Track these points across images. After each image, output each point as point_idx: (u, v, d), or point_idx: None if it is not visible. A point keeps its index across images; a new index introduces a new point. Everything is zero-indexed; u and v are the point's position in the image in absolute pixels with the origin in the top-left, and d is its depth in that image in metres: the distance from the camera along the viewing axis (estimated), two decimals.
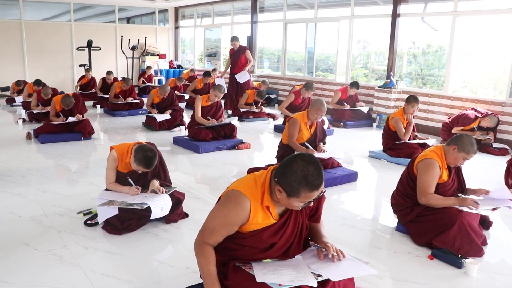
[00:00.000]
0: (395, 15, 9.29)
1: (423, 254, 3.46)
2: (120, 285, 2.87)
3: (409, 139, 6.31)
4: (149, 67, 14.08)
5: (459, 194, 3.83)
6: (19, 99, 10.48)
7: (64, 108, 7.24)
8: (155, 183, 3.80)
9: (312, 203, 2.20)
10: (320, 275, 2.21)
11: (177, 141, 7.11)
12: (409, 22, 9.46)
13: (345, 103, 9.33)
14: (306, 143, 5.34)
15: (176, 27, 17.04)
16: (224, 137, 6.98)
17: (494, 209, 3.63)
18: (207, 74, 11.31)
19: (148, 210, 3.53)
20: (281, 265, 2.31)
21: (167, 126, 8.23)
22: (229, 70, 10.51)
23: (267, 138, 8.12)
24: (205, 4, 15.14)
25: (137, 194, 3.74)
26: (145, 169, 3.66)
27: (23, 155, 6.22)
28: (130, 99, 9.95)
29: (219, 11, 15.27)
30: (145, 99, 9.99)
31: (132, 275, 3.01)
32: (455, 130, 7.52)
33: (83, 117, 7.36)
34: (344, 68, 10.87)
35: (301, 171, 2.07)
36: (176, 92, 11.14)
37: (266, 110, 10.09)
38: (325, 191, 2.17)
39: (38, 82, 9.38)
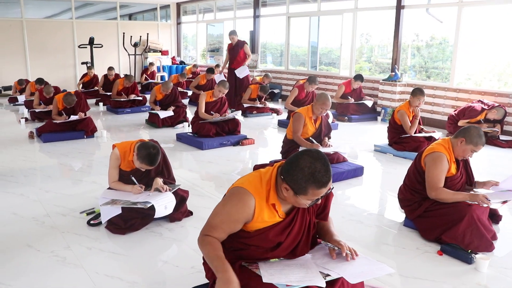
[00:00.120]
0: (399, 7, 9.18)
1: (432, 249, 3.40)
2: (124, 286, 2.82)
3: (415, 133, 6.24)
4: (151, 64, 14.02)
5: (475, 189, 3.77)
6: (21, 98, 10.44)
7: (66, 107, 7.19)
8: (159, 181, 3.74)
9: (320, 201, 2.13)
10: (328, 275, 2.14)
11: (180, 137, 7.05)
12: (413, 14, 9.34)
13: (349, 97, 9.25)
14: (311, 138, 5.28)
15: (178, 23, 16.96)
16: (228, 132, 6.92)
17: (504, 202, 3.57)
18: (210, 70, 11.23)
19: (152, 209, 3.48)
20: (288, 265, 2.24)
21: (170, 122, 8.18)
22: (227, 65, 10.38)
23: (271, 133, 8.05)
24: None
25: (141, 193, 3.69)
26: (148, 166, 3.60)
27: (25, 155, 6.18)
28: (132, 96, 9.90)
29: (221, 6, 15.18)
30: (147, 96, 9.92)
31: (136, 276, 2.96)
32: (461, 122, 7.45)
33: (85, 115, 7.31)
34: (348, 61, 10.78)
35: (308, 168, 2.00)
36: (179, 88, 11.08)
37: (270, 105, 10.02)
38: (333, 187, 2.11)
39: (40, 81, 9.34)
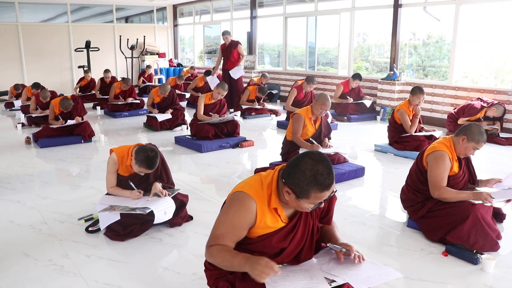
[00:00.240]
0: (396, 6, 9.13)
1: (436, 250, 3.35)
2: None
3: (415, 132, 6.20)
4: (148, 67, 13.95)
5: (477, 188, 3.73)
6: (17, 103, 10.35)
7: (63, 111, 7.12)
8: (158, 186, 3.68)
9: (323, 204, 2.07)
10: (334, 281, 2.08)
11: (179, 140, 6.99)
12: (409, 13, 9.30)
13: (348, 97, 9.20)
14: (311, 139, 5.23)
15: (175, 25, 16.90)
16: (227, 134, 6.86)
17: (508, 201, 3.53)
18: (208, 72, 11.16)
19: (151, 214, 3.42)
20: (292, 271, 2.18)
21: (168, 125, 8.11)
22: (221, 66, 10.25)
23: (270, 134, 8.00)
24: (203, 0, 15.00)
25: (139, 198, 3.63)
26: (147, 170, 3.54)
27: (22, 161, 6.10)
28: (130, 100, 9.83)
29: (218, 7, 15.13)
30: (145, 99, 9.88)
31: (136, 283, 2.90)
32: (461, 120, 7.43)
33: (82, 119, 7.24)
34: (346, 61, 10.73)
35: (310, 171, 1.94)
36: (176, 90, 11.02)
37: (269, 106, 9.96)
38: (336, 190, 2.04)
39: (36, 85, 9.27)
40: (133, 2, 15.47)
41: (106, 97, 10.65)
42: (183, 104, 10.74)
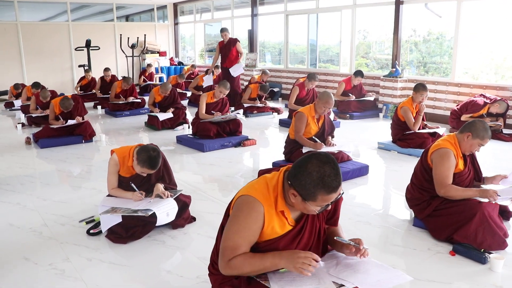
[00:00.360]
0: (398, 2, 9.06)
1: (444, 250, 3.31)
2: None
3: (419, 129, 6.13)
4: (149, 65, 13.90)
5: (482, 186, 3.67)
6: (17, 103, 10.30)
7: (63, 111, 7.06)
8: (160, 187, 3.62)
9: (330, 206, 2.01)
10: (342, 285, 2.03)
11: (181, 140, 6.93)
12: (410, 9, 9.23)
13: (350, 94, 9.14)
14: (313, 137, 5.17)
15: (176, 24, 16.84)
16: (229, 133, 6.79)
17: None
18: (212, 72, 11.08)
19: (154, 216, 3.36)
20: (299, 275, 2.12)
21: (170, 125, 8.05)
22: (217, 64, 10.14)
23: (272, 133, 7.94)
24: None
25: (141, 200, 3.57)
26: (150, 170, 3.48)
27: (22, 162, 6.04)
28: (131, 99, 9.77)
29: (218, 5, 15.06)
30: (146, 98, 9.80)
31: (138, 287, 2.84)
32: (464, 117, 7.40)
33: (83, 119, 7.18)
34: (347, 58, 10.66)
35: (317, 172, 1.88)
36: (177, 89, 10.96)
37: (270, 104, 9.90)
38: (343, 192, 1.98)
39: (36, 85, 9.20)
40: (133, 1, 15.42)
41: (106, 96, 10.60)
42: (185, 102, 10.68)
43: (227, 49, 9.70)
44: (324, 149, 5.10)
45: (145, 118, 8.73)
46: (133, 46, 14.80)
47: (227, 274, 2.08)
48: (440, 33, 9.62)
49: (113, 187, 3.71)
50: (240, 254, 2.03)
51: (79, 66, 14.02)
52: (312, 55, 11.92)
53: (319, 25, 11.63)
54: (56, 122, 7.05)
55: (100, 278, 2.94)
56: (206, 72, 10.85)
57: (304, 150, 5.11)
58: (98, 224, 3.65)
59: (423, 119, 6.26)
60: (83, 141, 7.02)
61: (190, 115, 8.79)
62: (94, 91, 11.65)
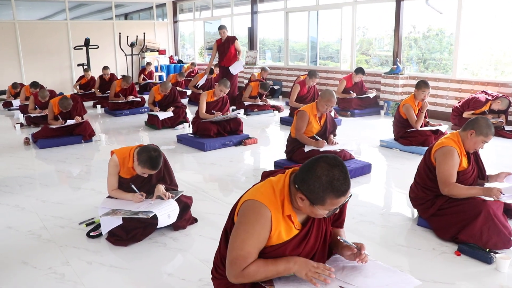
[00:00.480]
0: None
1: (449, 250, 3.26)
2: None
3: (421, 126, 6.09)
4: (149, 64, 13.83)
5: (486, 184, 3.63)
6: (16, 103, 10.20)
7: (62, 111, 6.99)
8: (161, 188, 3.57)
9: (338, 210, 1.96)
10: None
11: (181, 139, 6.87)
12: (410, 6, 9.16)
13: (351, 91, 9.08)
14: (315, 135, 5.12)
15: (175, 21, 16.76)
16: (229, 132, 6.73)
17: None
18: (210, 71, 11.01)
19: (155, 218, 3.31)
20: (306, 281, 2.06)
21: (170, 124, 7.99)
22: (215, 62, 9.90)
23: (273, 131, 7.88)
24: None
25: (142, 201, 3.52)
26: (151, 170, 3.43)
27: (20, 162, 5.97)
28: (131, 98, 9.71)
29: (218, 3, 14.99)
30: (146, 97, 9.75)
31: None
32: (466, 114, 7.36)
33: (82, 119, 7.11)
34: (348, 55, 10.60)
35: (326, 176, 1.83)
36: (177, 88, 10.90)
37: (271, 102, 9.84)
38: (351, 195, 1.93)
39: (34, 84, 9.12)
40: None
41: (106, 95, 10.54)
42: (184, 101, 10.63)
43: (225, 47, 9.48)
44: (326, 147, 5.05)
45: (145, 117, 8.67)
46: (132, 45, 14.73)
47: (238, 283, 2.03)
48: (440, 29, 9.57)
49: (113, 189, 3.66)
50: (253, 263, 1.97)
51: (78, 65, 13.94)
52: (312, 52, 11.85)
53: (320, 22, 11.56)
54: (55, 122, 6.99)
55: (101, 282, 2.89)
56: (210, 72, 10.79)
57: (306, 149, 5.07)
58: (98, 226, 3.59)
59: (425, 117, 6.21)
60: (83, 141, 6.95)
61: (190, 113, 8.74)
62: (93, 90, 11.58)
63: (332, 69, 10.94)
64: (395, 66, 9.04)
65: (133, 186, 3.55)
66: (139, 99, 9.84)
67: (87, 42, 13.63)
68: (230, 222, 2.16)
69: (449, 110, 8.13)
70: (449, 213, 3.44)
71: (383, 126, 7.90)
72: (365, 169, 5.16)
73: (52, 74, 14.21)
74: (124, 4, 15.79)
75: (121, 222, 3.36)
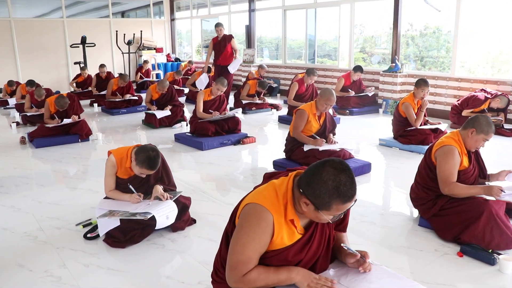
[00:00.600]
0: None
1: (451, 251, 3.22)
2: None
3: (420, 125, 6.05)
4: (146, 62, 13.75)
5: (487, 183, 3.59)
6: (12, 101, 10.12)
7: (58, 110, 6.91)
8: (159, 188, 3.51)
9: (342, 215, 1.91)
10: None
11: (179, 138, 6.81)
12: (408, 3, 9.12)
13: (349, 90, 9.03)
14: (313, 134, 5.07)
15: (172, 19, 16.67)
16: (228, 131, 6.68)
17: None
18: (208, 70, 10.91)
19: (153, 219, 3.26)
20: None
21: (167, 122, 7.93)
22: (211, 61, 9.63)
23: (272, 130, 7.83)
24: None
25: (139, 202, 3.46)
26: (149, 171, 3.37)
27: (16, 162, 5.89)
28: (128, 96, 9.64)
29: (215, 0, 14.92)
30: (143, 95, 9.67)
31: None
32: (465, 112, 7.34)
33: (79, 117, 7.04)
34: (345, 53, 10.55)
35: (332, 181, 1.78)
36: (175, 86, 10.82)
37: (269, 100, 9.78)
38: (356, 200, 1.88)
39: (31, 83, 9.03)
40: None
41: (103, 93, 10.46)
42: (182, 99, 10.58)
43: (221, 46, 9.17)
44: (326, 146, 5.01)
45: (142, 115, 8.61)
46: (129, 43, 14.65)
47: None
48: (437, 27, 9.54)
49: (111, 189, 3.60)
50: (254, 269, 1.93)
51: (75, 63, 13.85)
52: (310, 50, 11.81)
53: (317, 20, 11.50)
54: (52, 121, 6.91)
55: (98, 285, 2.84)
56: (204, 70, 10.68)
57: (306, 148, 5.02)
58: (95, 227, 3.54)
59: (424, 115, 6.18)
60: (79, 140, 6.88)
61: (187, 112, 8.67)
62: (90, 88, 11.50)
63: (330, 67, 10.88)
64: (394, 64, 9.00)
65: (130, 186, 3.50)
66: (136, 98, 9.78)
67: (83, 40, 13.54)
68: (231, 226, 2.11)
69: (448, 108, 8.09)
70: (451, 213, 3.41)
71: (381, 125, 7.86)
72: (364, 168, 5.12)
73: (48, 72, 14.12)
74: (121, 2, 15.72)
75: (118, 223, 3.30)
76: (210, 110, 6.66)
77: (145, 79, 13.28)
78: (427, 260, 3.11)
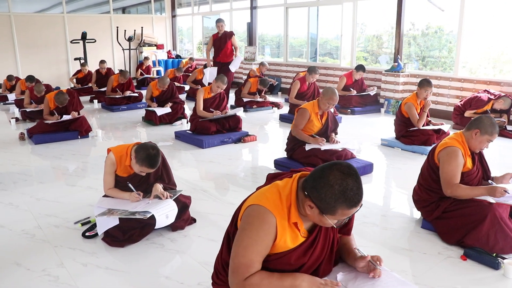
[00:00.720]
0: None
1: (455, 254, 3.17)
2: None
3: (423, 125, 5.99)
4: (146, 58, 13.68)
5: (490, 181, 3.54)
6: (11, 97, 10.06)
7: (58, 106, 6.86)
8: (158, 187, 3.46)
9: (347, 220, 1.86)
10: None
11: (179, 136, 6.76)
12: (411, 2, 9.06)
13: (351, 89, 8.98)
14: (313, 135, 5.02)
15: (173, 16, 16.60)
16: (228, 129, 6.63)
17: None
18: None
19: (152, 218, 3.20)
20: None
21: (168, 120, 7.88)
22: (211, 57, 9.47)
23: (273, 128, 7.78)
24: None
25: (139, 201, 3.41)
26: (149, 169, 3.32)
27: (15, 158, 5.84)
28: (128, 93, 9.58)
29: None
30: (143, 92, 9.62)
31: None
32: (467, 113, 7.28)
33: (79, 114, 6.99)
34: (347, 52, 10.49)
35: (339, 185, 1.73)
36: (175, 83, 10.78)
37: (270, 98, 9.73)
38: (362, 205, 1.83)
39: (30, 78, 8.96)
40: None
41: (103, 89, 10.40)
42: (183, 97, 10.52)
43: (222, 42, 8.99)
44: (328, 146, 4.96)
45: (142, 112, 8.55)
46: (130, 39, 14.57)
47: None
48: (439, 27, 9.49)
49: (110, 187, 3.55)
50: (256, 273, 1.87)
51: (75, 59, 13.78)
52: (312, 49, 11.75)
53: (320, 19, 11.44)
54: (51, 117, 6.86)
55: (96, 285, 2.79)
56: (205, 66, 10.60)
57: (307, 147, 4.97)
58: (94, 226, 3.49)
59: (427, 116, 6.13)
60: (79, 137, 6.83)
61: (188, 109, 8.61)
62: (90, 84, 11.44)
63: (332, 66, 10.83)
64: (396, 64, 8.94)
65: (130, 185, 3.44)
66: (136, 94, 9.72)
67: (84, 36, 13.47)
68: (233, 227, 2.06)
69: (450, 109, 8.04)
70: (454, 216, 3.35)
71: (383, 124, 7.81)
72: (366, 168, 5.07)
73: (48, 68, 14.05)
74: None
75: (117, 222, 3.25)
76: (211, 109, 6.60)
77: (146, 75, 13.23)
78: (430, 263, 3.07)
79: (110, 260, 3.09)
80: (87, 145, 6.56)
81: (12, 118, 8.17)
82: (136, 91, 9.98)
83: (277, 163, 5.22)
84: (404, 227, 3.66)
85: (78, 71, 11.98)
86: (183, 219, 3.55)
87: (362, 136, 6.95)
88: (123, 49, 14.52)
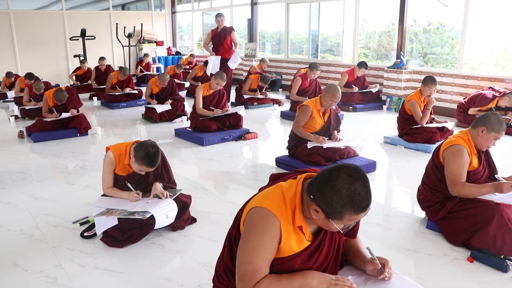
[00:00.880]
0: None
1: (461, 256, 3.10)
2: None
3: (426, 123, 5.92)
4: (146, 55, 13.60)
5: (497, 177, 3.47)
6: (11, 94, 9.98)
7: (57, 103, 6.79)
8: (158, 186, 3.39)
9: (354, 224, 1.79)
10: None
11: (179, 133, 6.69)
12: None
13: (353, 86, 8.90)
14: (313, 134, 4.95)
15: (173, 12, 16.51)
16: (229, 127, 6.55)
17: None
18: (207, 63, 10.78)
19: (152, 218, 3.14)
20: None
21: (168, 117, 7.81)
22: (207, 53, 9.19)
23: (274, 126, 7.71)
24: None
25: (138, 200, 3.34)
26: (148, 168, 3.24)
27: (14, 157, 5.77)
28: (127, 90, 9.50)
29: None
30: (143, 89, 9.54)
31: None
32: (472, 111, 7.19)
33: (78, 111, 6.91)
34: (349, 49, 10.41)
35: (347, 190, 1.65)
36: (175, 80, 10.69)
37: (271, 95, 9.65)
38: (369, 208, 1.76)
39: (29, 76, 8.89)
40: None
41: (102, 87, 10.33)
42: (183, 94, 10.45)
43: (221, 37, 8.70)
44: (330, 144, 4.89)
45: (142, 109, 8.49)
46: (129, 36, 14.49)
47: None
48: (441, 23, 9.42)
49: (108, 187, 3.48)
50: (265, 278, 1.80)
51: (74, 56, 13.71)
52: (313, 45, 11.66)
53: (321, 15, 11.35)
54: (50, 115, 6.79)
55: (94, 286, 2.73)
56: (205, 64, 10.52)
57: (309, 145, 4.90)
58: (92, 226, 3.42)
59: (431, 113, 6.05)
60: (78, 135, 6.76)
61: (188, 106, 8.54)
62: (89, 82, 11.36)
63: (333, 62, 10.75)
64: (399, 60, 8.86)
65: (129, 184, 3.37)
66: (136, 92, 9.64)
67: (83, 33, 13.38)
68: (235, 230, 1.98)
69: (454, 106, 7.96)
70: (460, 216, 3.28)
71: (385, 122, 7.74)
72: (369, 167, 4.99)
73: (48, 65, 13.97)
74: None
75: (116, 222, 3.19)
76: (211, 107, 6.52)
77: (145, 72, 13.14)
78: (436, 265, 3.00)
79: (108, 261, 3.02)
80: (86, 143, 6.49)
81: (11, 116, 8.10)
82: (135, 88, 9.90)
83: (279, 161, 5.15)
84: (408, 227, 3.59)
85: (78, 68, 11.89)
86: (183, 219, 3.49)
87: (365, 133, 6.87)
88: (122, 46, 14.44)
